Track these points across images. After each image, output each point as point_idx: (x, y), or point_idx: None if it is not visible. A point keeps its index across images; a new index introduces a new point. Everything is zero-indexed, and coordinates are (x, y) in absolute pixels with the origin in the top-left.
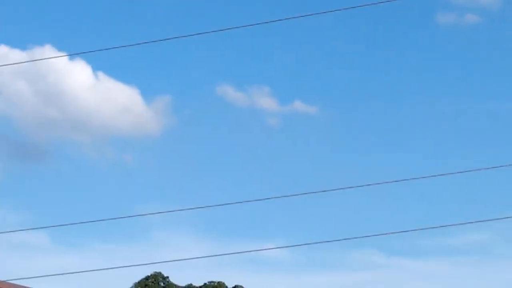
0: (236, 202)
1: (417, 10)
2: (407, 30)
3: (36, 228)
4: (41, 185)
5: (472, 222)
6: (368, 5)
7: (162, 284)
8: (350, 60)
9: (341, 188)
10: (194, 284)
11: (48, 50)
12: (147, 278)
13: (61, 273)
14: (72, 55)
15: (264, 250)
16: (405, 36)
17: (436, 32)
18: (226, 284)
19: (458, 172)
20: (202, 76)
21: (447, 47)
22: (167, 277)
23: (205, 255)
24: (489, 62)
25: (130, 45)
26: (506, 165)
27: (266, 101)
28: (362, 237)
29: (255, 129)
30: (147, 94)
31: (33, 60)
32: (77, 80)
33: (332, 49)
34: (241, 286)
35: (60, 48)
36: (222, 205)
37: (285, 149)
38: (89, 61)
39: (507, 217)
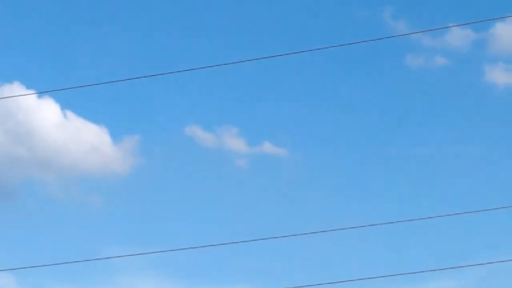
0: (205, 246)
1: (387, 52)
2: (377, 71)
3: (2, 270)
4: (7, 225)
5: (440, 269)
6: (338, 46)
7: None
8: (319, 101)
9: (311, 233)
10: None
11: (16, 88)
12: None
13: None
14: (40, 93)
15: None
16: (375, 77)
17: (406, 74)
18: None
19: (424, 218)
20: (171, 116)
21: (416, 88)
22: None
23: None
24: (457, 104)
25: (99, 84)
26: (472, 211)
27: (234, 142)
28: (326, 283)
29: (224, 170)
30: (116, 133)
31: (0, 98)
32: (46, 119)
33: (301, 90)
34: None
35: (28, 86)
36: (189, 248)
37: (254, 191)
38: (57, 99)
39: (477, 264)
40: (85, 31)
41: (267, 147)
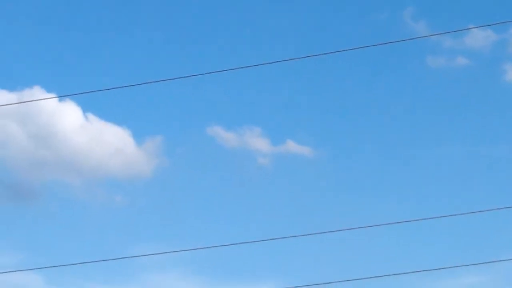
0: (230, 244)
1: (408, 53)
2: (398, 72)
3: (29, 270)
4: (33, 226)
5: (468, 265)
6: (359, 47)
7: None
8: (342, 101)
9: (336, 230)
10: None
11: (37, 92)
12: None
13: None
14: (61, 97)
15: None
16: (396, 78)
17: (427, 75)
18: None
19: (452, 215)
20: (192, 117)
21: (438, 89)
22: None
23: None
24: (478, 104)
25: (120, 87)
26: (502, 208)
27: (257, 142)
28: (357, 279)
29: (247, 169)
30: (138, 135)
31: (22, 102)
32: (68, 122)
33: (324, 90)
34: None
35: (49, 90)
36: (215, 246)
37: (277, 190)
38: (78, 102)
39: (505, 260)
40: (105, 35)
41: (291, 146)
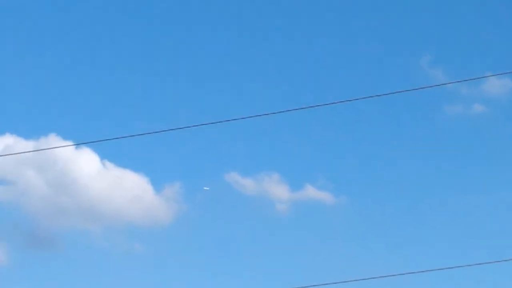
0: None
1: (425, 101)
2: (416, 120)
3: None
4: (54, 273)
5: None
6: (377, 96)
7: None
8: (361, 147)
9: (358, 280)
10: None
11: (52, 140)
12: None
13: None
14: (78, 145)
15: None
16: (415, 126)
17: (444, 121)
18: None
19: (476, 264)
20: (210, 163)
21: (454, 137)
22: None
23: None
24: (497, 151)
25: (137, 135)
26: None
27: (275, 188)
28: None
29: (266, 216)
30: (157, 182)
31: (39, 150)
32: (85, 169)
33: (341, 136)
34: None
35: (65, 138)
36: None
37: (297, 237)
38: (95, 150)
39: None
40: (119, 82)
41: (310, 191)
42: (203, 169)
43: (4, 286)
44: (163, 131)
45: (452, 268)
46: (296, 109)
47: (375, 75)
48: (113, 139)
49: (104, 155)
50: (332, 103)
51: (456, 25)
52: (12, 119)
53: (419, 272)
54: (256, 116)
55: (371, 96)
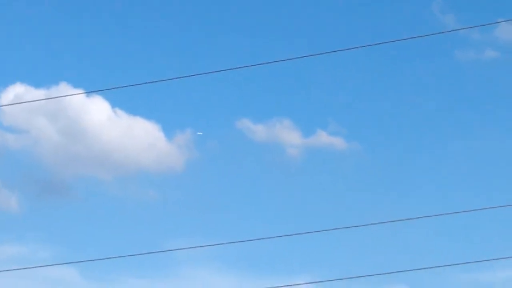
0: (263, 238)
1: (436, 47)
2: (428, 66)
3: (65, 263)
4: (68, 221)
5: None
6: (389, 42)
7: None
8: (373, 92)
9: (369, 224)
10: None
11: (63, 88)
12: None
13: None
14: (89, 93)
15: (293, 286)
16: (427, 72)
17: (457, 68)
18: None
19: (490, 208)
20: (221, 110)
21: (466, 82)
22: None
23: None
24: (508, 96)
25: (148, 82)
26: None
27: (287, 134)
28: (392, 272)
29: (277, 162)
30: (168, 129)
31: (50, 98)
32: (97, 117)
33: (353, 81)
34: None
35: (75, 86)
36: (250, 240)
37: (309, 182)
38: (106, 97)
39: None
40: (132, 30)
41: (322, 137)
42: (215, 116)
43: (17, 233)
44: (174, 78)
45: (466, 211)
46: (307, 56)
47: (387, 22)
48: (124, 86)
49: (115, 103)
50: (343, 50)
51: None
52: (23, 68)
53: (430, 216)
54: (267, 63)
55: (383, 42)
